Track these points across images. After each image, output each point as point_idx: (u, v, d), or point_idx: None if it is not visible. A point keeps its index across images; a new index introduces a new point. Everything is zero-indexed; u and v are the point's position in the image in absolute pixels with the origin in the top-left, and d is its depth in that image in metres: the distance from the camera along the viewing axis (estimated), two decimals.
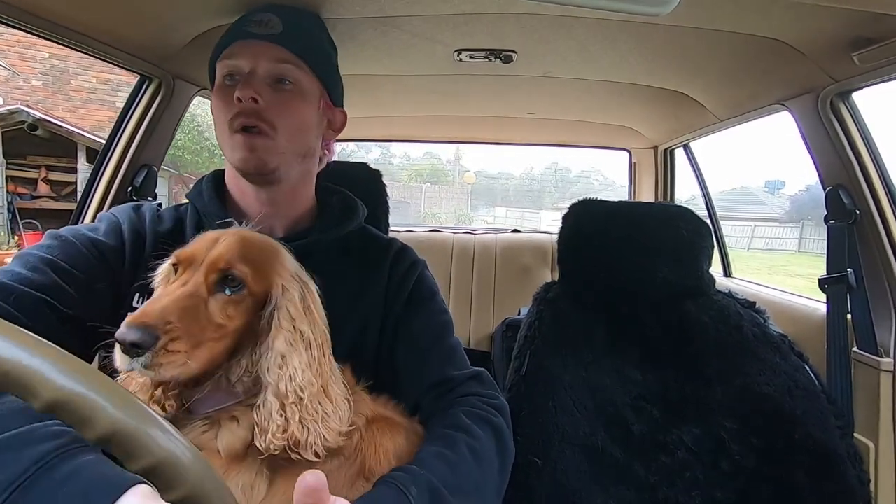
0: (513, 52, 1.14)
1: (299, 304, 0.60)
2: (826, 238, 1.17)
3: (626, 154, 2.23)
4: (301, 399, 0.56)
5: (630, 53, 1.14)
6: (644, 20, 0.94)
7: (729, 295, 1.15)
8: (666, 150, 2.05)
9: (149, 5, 0.84)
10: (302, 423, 0.55)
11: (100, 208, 1.23)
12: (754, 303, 1.14)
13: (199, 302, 0.56)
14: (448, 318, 0.85)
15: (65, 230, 0.71)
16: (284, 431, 0.54)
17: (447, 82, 1.44)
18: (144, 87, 1.21)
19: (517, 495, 0.86)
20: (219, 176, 0.84)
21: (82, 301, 0.65)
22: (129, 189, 1.25)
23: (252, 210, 0.79)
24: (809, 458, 0.92)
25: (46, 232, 0.71)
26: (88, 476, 0.38)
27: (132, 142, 1.24)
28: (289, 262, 0.64)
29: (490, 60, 1.18)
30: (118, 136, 1.24)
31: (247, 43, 0.76)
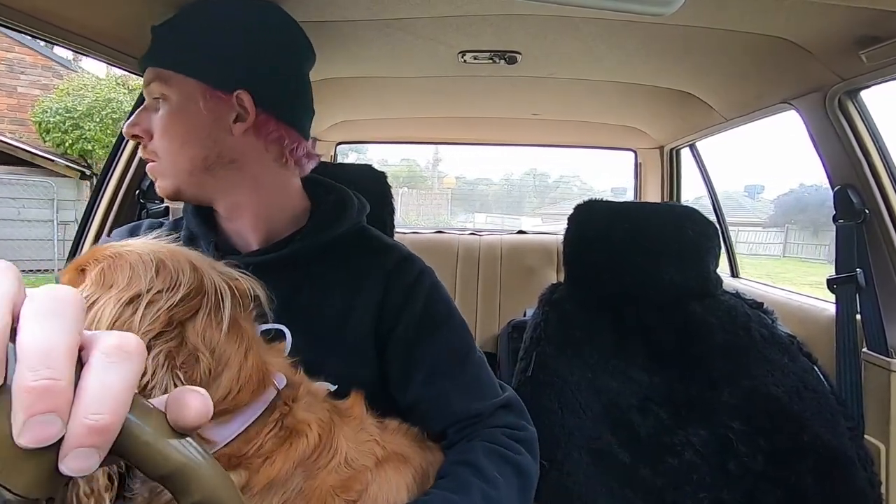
0: (517, 53, 1.14)
1: None
2: (834, 238, 1.16)
3: (623, 155, 2.22)
4: None
5: (636, 53, 1.14)
6: (649, 20, 0.94)
7: (736, 295, 1.15)
8: (672, 150, 2.04)
9: (148, 7, 0.84)
10: None
11: (108, 211, 1.24)
12: (762, 303, 1.14)
13: None
14: (467, 335, 0.77)
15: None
16: None
17: (451, 84, 1.44)
18: None
19: None
20: None
21: None
22: (137, 192, 1.26)
23: (227, 226, 0.76)
24: (818, 460, 0.91)
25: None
26: None
27: (139, 146, 1.24)
28: None
29: (494, 62, 1.18)
30: (125, 140, 1.25)
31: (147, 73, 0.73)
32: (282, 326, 0.68)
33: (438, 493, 0.61)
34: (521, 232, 2.30)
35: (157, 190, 0.73)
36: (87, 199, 1.28)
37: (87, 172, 7.15)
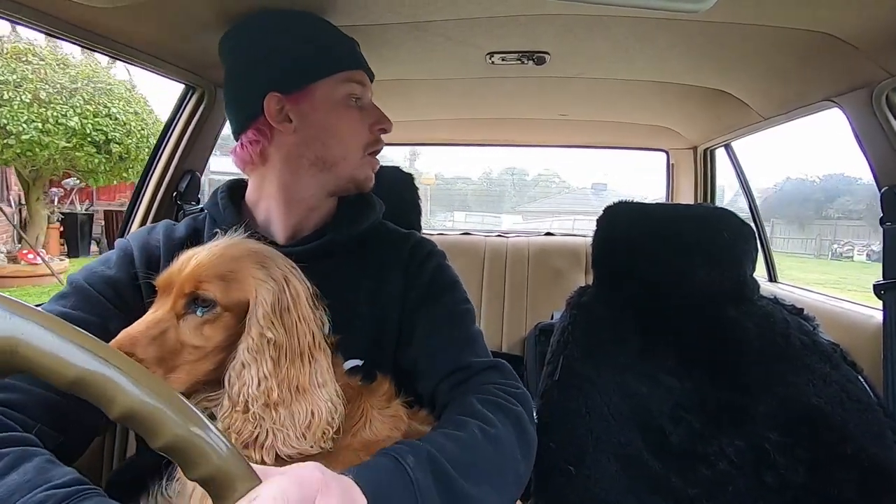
0: (546, 53, 1.14)
1: (270, 309, 0.59)
2: (882, 241, 1.10)
3: (603, 152, 2.18)
4: (248, 409, 0.56)
5: (668, 52, 1.11)
6: (683, 17, 0.92)
7: (774, 301, 1.10)
8: (706, 150, 1.99)
9: (191, 18, 0.88)
10: (257, 425, 0.56)
11: (147, 212, 1.29)
12: (802, 309, 1.09)
13: (169, 327, 0.57)
14: (469, 307, 0.83)
15: (80, 273, 0.72)
16: (227, 429, 0.55)
17: (479, 85, 1.44)
18: (189, 96, 1.26)
19: (550, 503, 0.85)
20: (233, 186, 0.85)
21: None
22: (175, 194, 1.31)
23: (273, 219, 0.81)
24: (863, 474, 0.87)
25: (67, 278, 0.73)
26: None
27: (177, 149, 1.29)
28: (263, 266, 0.62)
29: (522, 62, 1.17)
30: (164, 143, 1.30)
31: (362, 74, 0.83)
32: None
33: (437, 430, 0.63)
34: (548, 234, 2.28)
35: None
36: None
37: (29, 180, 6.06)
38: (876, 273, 1.11)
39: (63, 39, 0.89)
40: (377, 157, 0.86)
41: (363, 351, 0.76)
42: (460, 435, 0.60)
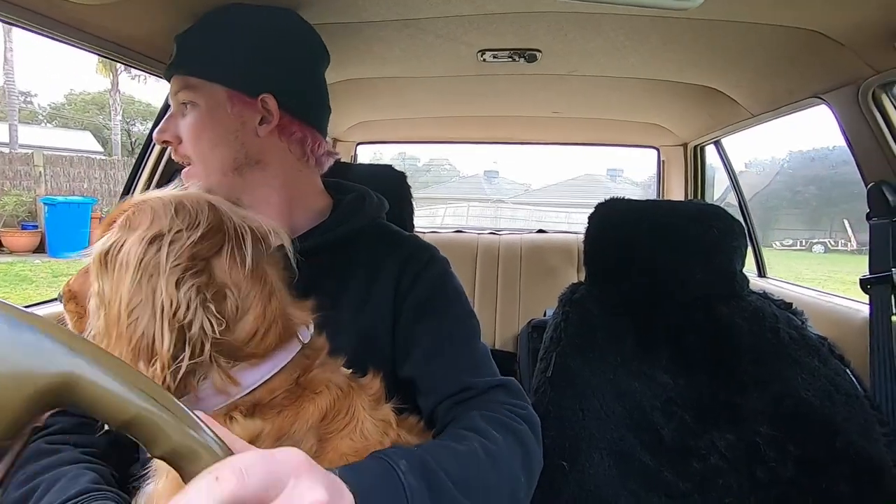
0: (537, 51, 1.14)
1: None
2: (868, 236, 1.12)
3: (647, 152, 2.19)
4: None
5: (660, 49, 1.12)
6: (674, 14, 0.92)
7: (764, 296, 1.12)
8: (696, 147, 2.00)
9: (178, 14, 0.87)
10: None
11: None
12: (791, 304, 1.10)
13: None
14: (474, 322, 0.77)
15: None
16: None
17: (471, 83, 1.44)
18: None
19: (543, 499, 0.85)
20: None
21: None
22: None
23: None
24: (852, 467, 0.88)
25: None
26: None
27: (166, 149, 1.28)
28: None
29: (514, 60, 1.17)
30: (153, 142, 1.28)
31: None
32: None
33: (433, 441, 0.60)
34: (540, 231, 2.29)
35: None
36: None
37: None
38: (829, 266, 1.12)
39: (49, 37, 0.87)
40: (186, 170, 0.77)
41: (347, 361, 0.67)
42: (459, 447, 0.57)
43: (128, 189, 1.30)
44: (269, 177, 0.77)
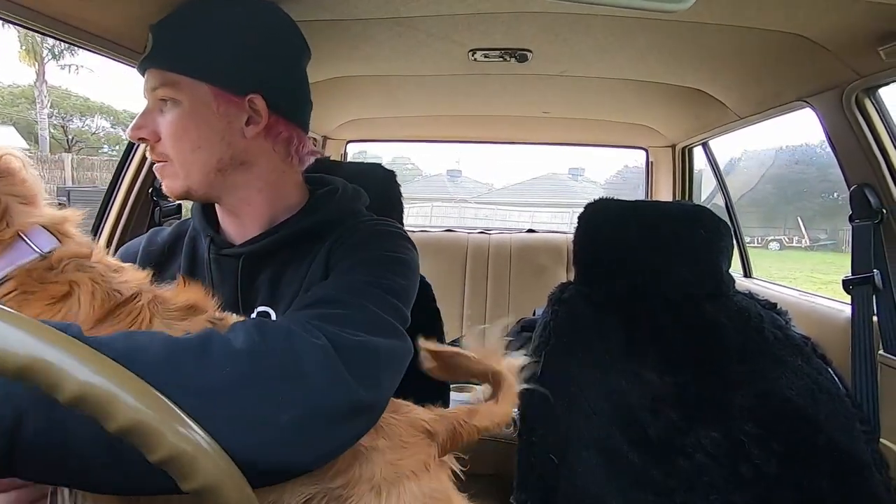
0: (528, 51, 1.14)
1: None
2: (850, 238, 1.14)
3: (643, 153, 2.21)
4: None
5: (648, 51, 1.13)
6: (663, 17, 0.93)
7: (749, 296, 1.13)
8: (684, 148, 2.02)
9: (158, 6, 0.84)
10: None
11: (122, 208, 1.26)
12: (775, 304, 1.12)
13: None
14: (383, 289, 0.62)
15: None
16: None
17: (461, 82, 1.44)
18: None
19: (532, 497, 0.86)
20: None
21: None
22: (150, 190, 1.27)
23: (225, 222, 0.77)
24: (833, 464, 0.90)
25: None
26: None
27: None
28: None
29: (505, 60, 1.17)
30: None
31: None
32: (267, 308, 0.69)
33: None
34: (530, 231, 2.30)
35: (165, 190, 0.73)
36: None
37: None
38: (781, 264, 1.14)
39: (12, 23, 0.84)
40: (161, 168, 0.73)
41: None
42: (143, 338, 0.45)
43: (112, 187, 1.28)
44: (253, 178, 0.73)
